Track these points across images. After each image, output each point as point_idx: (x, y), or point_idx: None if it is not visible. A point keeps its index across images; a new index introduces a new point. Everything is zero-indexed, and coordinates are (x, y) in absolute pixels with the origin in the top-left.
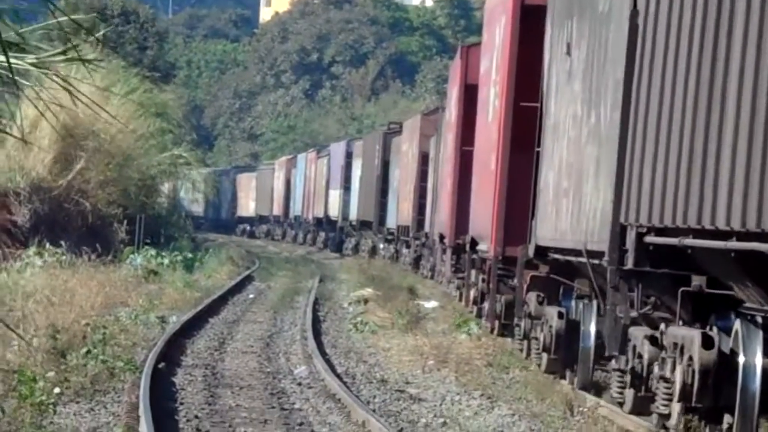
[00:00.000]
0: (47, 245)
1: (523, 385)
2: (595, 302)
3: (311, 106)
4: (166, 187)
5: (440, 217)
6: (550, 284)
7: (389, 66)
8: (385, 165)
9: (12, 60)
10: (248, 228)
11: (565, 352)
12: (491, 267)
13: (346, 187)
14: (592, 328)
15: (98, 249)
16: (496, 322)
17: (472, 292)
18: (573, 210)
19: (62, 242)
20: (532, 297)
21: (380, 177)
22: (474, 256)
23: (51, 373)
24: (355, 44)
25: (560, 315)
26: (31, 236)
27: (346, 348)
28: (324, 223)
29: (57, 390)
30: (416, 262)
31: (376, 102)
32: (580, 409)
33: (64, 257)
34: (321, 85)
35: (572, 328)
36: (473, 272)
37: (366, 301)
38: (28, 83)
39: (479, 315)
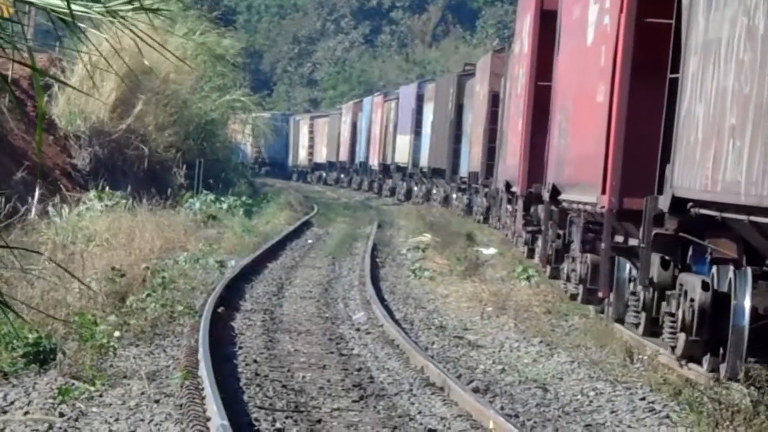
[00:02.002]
0: (107, 189)
1: (582, 332)
2: (749, 270)
3: (370, 52)
4: (228, 130)
5: (508, 163)
6: (675, 245)
7: (449, 11)
8: (459, 109)
9: (80, 7)
10: (323, 175)
11: (709, 332)
12: (597, 223)
13: (417, 132)
14: (747, 303)
15: (157, 193)
16: (608, 295)
17: (547, 250)
18: (751, 155)
19: (122, 186)
20: (654, 260)
21: (454, 122)
22: (553, 207)
23: (112, 317)
24: None
25: (705, 286)
26: (91, 180)
27: (405, 294)
28: (392, 170)
29: (117, 334)
30: (487, 212)
31: (436, 48)
32: (640, 356)
33: (124, 201)
34: (380, 30)
35: (719, 303)
36: (550, 227)
37: (424, 249)
38: (94, 30)
39: (554, 276)
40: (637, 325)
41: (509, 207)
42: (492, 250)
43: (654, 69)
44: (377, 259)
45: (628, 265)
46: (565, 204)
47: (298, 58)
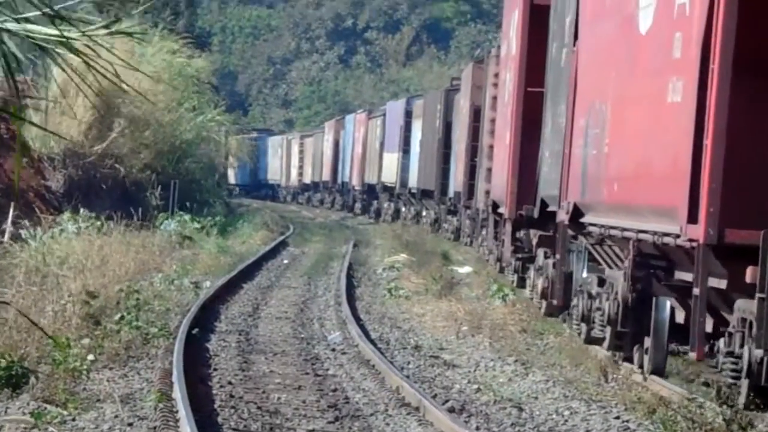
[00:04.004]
0: (81, 211)
1: (557, 351)
2: None
3: (345, 72)
4: (204, 149)
5: (494, 181)
6: None
7: (423, 31)
8: (448, 126)
9: (60, 33)
10: (311, 196)
11: None
12: (653, 256)
13: (405, 150)
14: None
15: (132, 214)
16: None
17: (540, 282)
18: None
19: (96, 208)
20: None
21: (442, 140)
22: (572, 232)
23: (86, 340)
24: (389, 10)
25: None
26: (65, 202)
27: (380, 314)
28: (378, 189)
29: (91, 357)
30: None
31: (410, 67)
32: (614, 375)
33: (98, 223)
34: (355, 50)
35: None
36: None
37: (400, 269)
38: (67, 50)
39: (550, 314)
40: (721, 401)
41: (497, 231)
42: (467, 269)
43: (761, 62)
44: (353, 279)
45: (668, 305)
46: (595, 229)
47: (273, 79)
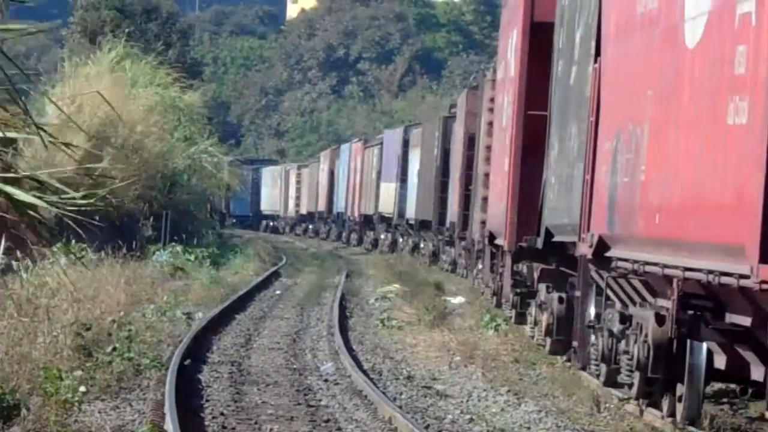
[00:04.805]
0: (73, 242)
1: (549, 381)
2: None
3: (338, 103)
4: (198, 180)
5: (492, 211)
6: None
7: (416, 62)
8: (446, 154)
9: (47, 204)
10: (310, 227)
11: None
12: (699, 296)
13: (403, 179)
14: None
15: (124, 245)
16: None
17: (544, 319)
18: None
19: (88, 239)
20: None
21: (440, 168)
22: (595, 271)
23: (78, 371)
24: (381, 41)
25: None
26: (57, 233)
27: (373, 344)
28: (375, 220)
29: (82, 388)
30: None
31: (403, 98)
32: (607, 405)
33: (90, 254)
34: (347, 81)
35: None
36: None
37: (392, 299)
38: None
39: (556, 351)
40: None
41: (495, 263)
42: (460, 299)
43: None
44: (345, 309)
45: (705, 348)
46: (626, 265)
47: (266, 110)
